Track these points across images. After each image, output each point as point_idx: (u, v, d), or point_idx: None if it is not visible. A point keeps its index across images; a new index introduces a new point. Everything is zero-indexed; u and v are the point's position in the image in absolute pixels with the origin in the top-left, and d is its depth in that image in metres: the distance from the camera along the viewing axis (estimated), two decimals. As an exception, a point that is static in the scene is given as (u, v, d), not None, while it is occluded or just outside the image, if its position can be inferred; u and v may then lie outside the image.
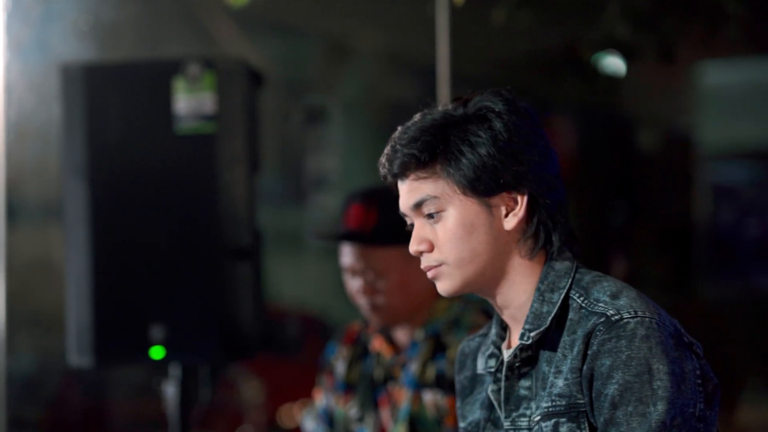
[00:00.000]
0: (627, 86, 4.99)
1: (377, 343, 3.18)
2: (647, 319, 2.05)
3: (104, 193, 3.32)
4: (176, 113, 3.30)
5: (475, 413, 2.22)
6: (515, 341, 2.16)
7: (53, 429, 5.69)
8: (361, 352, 3.23)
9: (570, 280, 2.14)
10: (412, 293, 3.07)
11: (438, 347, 3.06)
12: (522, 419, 2.12)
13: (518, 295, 2.15)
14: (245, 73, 3.35)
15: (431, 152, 2.11)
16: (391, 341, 3.16)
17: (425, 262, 2.17)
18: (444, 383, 3.01)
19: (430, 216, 2.14)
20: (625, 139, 5.02)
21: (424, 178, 2.13)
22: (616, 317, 2.05)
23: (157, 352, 3.28)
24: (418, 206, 2.15)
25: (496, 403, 2.16)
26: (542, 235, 2.14)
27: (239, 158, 3.31)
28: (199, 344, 3.29)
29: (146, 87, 3.34)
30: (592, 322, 2.07)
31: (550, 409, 2.08)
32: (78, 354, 3.33)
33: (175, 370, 3.40)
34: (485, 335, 2.28)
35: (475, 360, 2.27)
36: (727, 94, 5.02)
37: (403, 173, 2.14)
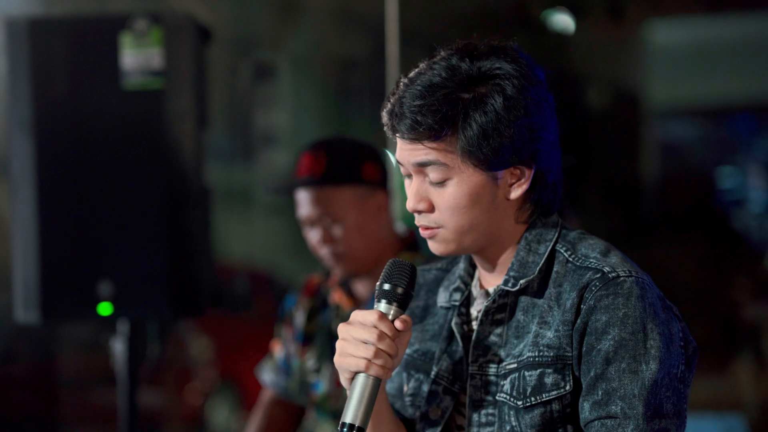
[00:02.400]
0: (576, 44, 5.00)
1: (337, 296, 3.19)
2: (640, 279, 2.07)
3: (51, 148, 3.29)
4: (123, 69, 3.28)
5: (426, 343, 2.20)
6: (490, 284, 2.16)
7: (1, 385, 5.67)
8: (320, 304, 3.24)
9: (557, 234, 2.15)
10: (371, 238, 3.08)
11: None
12: (490, 365, 2.13)
13: (504, 249, 2.15)
14: (192, 28, 3.32)
15: (449, 123, 2.05)
16: (350, 294, 3.17)
17: (422, 221, 2.12)
18: None
19: (435, 179, 2.09)
20: (573, 97, 5.04)
21: (434, 143, 2.09)
22: (613, 274, 2.07)
23: (105, 308, 3.26)
24: (422, 166, 2.10)
25: (459, 336, 2.16)
26: (543, 200, 2.14)
27: (187, 114, 3.29)
28: (147, 300, 3.28)
29: (93, 42, 3.31)
30: (587, 276, 2.08)
31: (537, 359, 2.08)
32: (25, 310, 3.31)
33: (123, 327, 3.39)
34: (444, 270, 2.27)
35: (430, 291, 2.26)
36: (675, 53, 5.05)
37: (413, 136, 2.07)
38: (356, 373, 2.02)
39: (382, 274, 2.05)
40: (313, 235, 3.11)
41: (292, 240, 3.22)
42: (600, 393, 2.04)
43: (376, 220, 3.10)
